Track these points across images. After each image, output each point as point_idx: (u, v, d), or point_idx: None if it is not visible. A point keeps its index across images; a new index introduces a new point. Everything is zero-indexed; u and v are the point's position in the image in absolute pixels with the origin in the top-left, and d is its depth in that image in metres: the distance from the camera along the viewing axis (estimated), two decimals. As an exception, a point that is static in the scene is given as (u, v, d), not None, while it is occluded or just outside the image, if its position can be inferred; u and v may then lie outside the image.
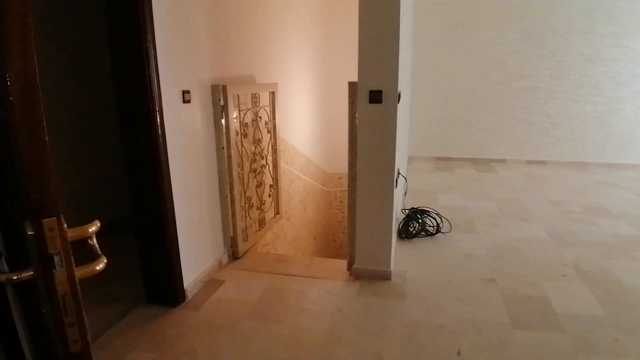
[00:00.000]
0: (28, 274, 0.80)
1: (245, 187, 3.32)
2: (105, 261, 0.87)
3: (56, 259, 0.78)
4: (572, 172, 6.24)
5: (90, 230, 0.84)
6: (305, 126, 5.58)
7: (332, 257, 6.81)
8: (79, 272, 0.83)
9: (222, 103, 2.90)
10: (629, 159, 6.58)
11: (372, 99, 2.61)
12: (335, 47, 6.47)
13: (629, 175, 6.09)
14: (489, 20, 6.45)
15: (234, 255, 3.23)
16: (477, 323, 2.46)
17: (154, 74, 2.26)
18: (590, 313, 2.58)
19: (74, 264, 0.81)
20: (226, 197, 3.06)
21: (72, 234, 0.81)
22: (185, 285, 2.67)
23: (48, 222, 0.75)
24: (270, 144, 3.68)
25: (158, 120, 2.31)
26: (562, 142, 6.71)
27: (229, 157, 3.00)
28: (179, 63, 2.53)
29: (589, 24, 6.25)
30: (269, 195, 3.77)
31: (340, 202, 7.04)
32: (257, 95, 3.43)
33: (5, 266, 0.82)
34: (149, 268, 2.63)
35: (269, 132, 3.62)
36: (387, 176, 2.76)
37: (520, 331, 2.39)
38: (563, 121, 6.63)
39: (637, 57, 6.26)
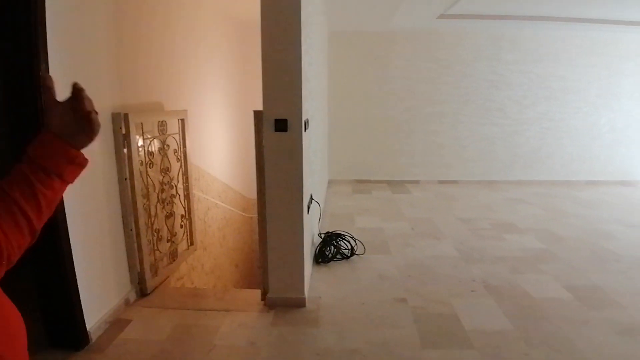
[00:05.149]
0: None
1: (153, 219, 3.17)
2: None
3: None
4: (481, 190, 6.62)
5: None
6: (222, 153, 5.47)
7: (256, 284, 6.68)
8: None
9: (123, 132, 2.75)
10: (535, 176, 7.13)
11: (277, 127, 2.63)
12: (250, 74, 6.46)
13: (535, 191, 6.56)
14: (401, 50, 6.81)
15: (142, 292, 3.04)
16: (388, 345, 2.48)
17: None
18: (498, 328, 2.64)
19: None
20: (131, 230, 2.89)
21: None
22: (88, 327, 2.47)
23: None
24: (180, 172, 3.55)
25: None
26: (471, 162, 7.15)
27: (133, 188, 2.84)
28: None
29: (494, 52, 6.78)
30: (181, 226, 3.62)
31: (264, 227, 6.94)
32: (164, 122, 3.30)
33: None
34: (49, 311, 2.42)
35: (178, 160, 3.50)
36: (296, 203, 2.77)
37: (430, 350, 2.42)
38: (472, 143, 7.09)
39: (539, 81, 6.85)
